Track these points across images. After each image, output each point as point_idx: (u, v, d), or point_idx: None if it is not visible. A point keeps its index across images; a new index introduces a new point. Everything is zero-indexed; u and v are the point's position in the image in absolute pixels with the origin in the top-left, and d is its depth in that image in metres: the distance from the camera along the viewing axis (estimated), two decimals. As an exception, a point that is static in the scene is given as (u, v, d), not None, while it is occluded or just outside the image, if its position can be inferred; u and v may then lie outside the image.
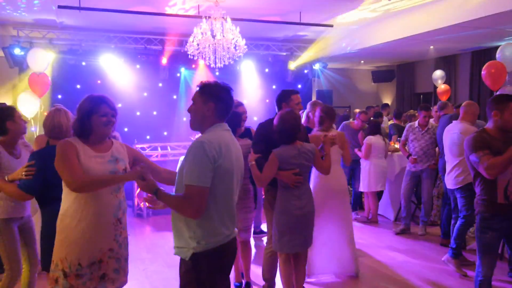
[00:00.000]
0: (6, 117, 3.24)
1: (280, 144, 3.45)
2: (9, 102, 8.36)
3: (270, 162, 3.38)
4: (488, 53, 9.19)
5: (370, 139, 6.37)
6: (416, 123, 5.98)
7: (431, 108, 6.45)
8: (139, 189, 5.50)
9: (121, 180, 2.49)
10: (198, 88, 2.37)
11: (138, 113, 9.18)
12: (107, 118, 2.51)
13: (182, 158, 2.28)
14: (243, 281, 4.20)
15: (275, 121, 3.48)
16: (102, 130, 2.51)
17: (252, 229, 4.26)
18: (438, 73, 9.74)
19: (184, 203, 2.15)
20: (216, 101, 2.30)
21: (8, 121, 3.24)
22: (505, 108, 3.16)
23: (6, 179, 2.91)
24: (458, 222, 4.68)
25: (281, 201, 3.48)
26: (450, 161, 4.75)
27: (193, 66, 9.52)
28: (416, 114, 7.98)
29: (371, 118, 7.60)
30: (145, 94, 9.30)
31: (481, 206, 3.27)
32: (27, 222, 3.44)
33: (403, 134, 6.16)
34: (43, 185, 2.78)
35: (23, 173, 2.78)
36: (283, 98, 3.90)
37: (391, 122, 8.37)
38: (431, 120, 6.14)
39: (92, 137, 2.51)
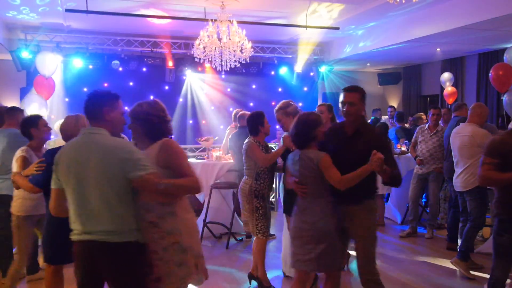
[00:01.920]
0: (31, 124, 3.65)
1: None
2: (16, 105, 8.40)
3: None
4: (495, 55, 9.11)
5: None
6: (427, 125, 5.96)
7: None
8: None
9: None
10: None
11: (144, 116, 9.20)
12: None
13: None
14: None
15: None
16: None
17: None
18: (446, 76, 9.66)
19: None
20: None
21: (32, 128, 3.64)
22: None
23: (22, 173, 3.30)
24: (467, 226, 4.63)
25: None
26: (460, 163, 4.70)
27: (199, 69, 9.55)
28: (423, 117, 7.94)
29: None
30: (152, 97, 9.33)
31: (499, 209, 3.18)
32: (42, 220, 3.66)
33: (414, 136, 6.14)
34: (50, 180, 3.05)
35: (34, 168, 3.17)
36: None
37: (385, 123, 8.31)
38: (440, 123, 6.08)
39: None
